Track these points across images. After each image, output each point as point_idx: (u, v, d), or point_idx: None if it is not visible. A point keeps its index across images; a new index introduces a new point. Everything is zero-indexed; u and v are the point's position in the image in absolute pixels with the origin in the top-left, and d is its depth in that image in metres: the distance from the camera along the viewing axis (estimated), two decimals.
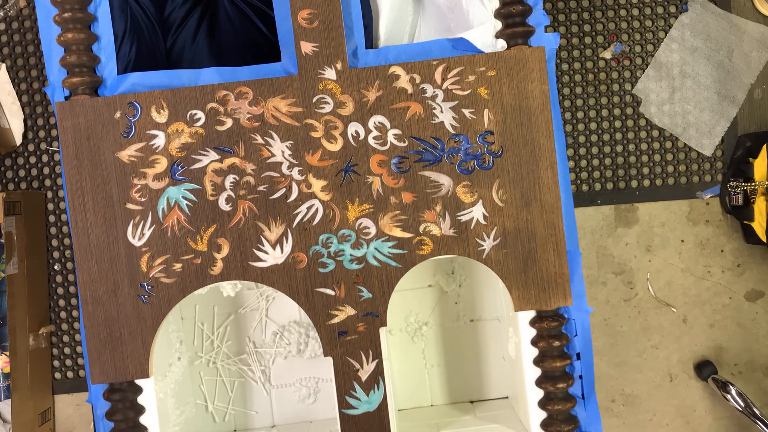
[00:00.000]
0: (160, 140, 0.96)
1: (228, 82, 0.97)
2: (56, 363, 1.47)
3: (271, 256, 0.96)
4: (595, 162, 1.46)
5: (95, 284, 0.96)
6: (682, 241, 1.46)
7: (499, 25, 0.99)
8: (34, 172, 1.47)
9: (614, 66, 1.45)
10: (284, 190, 0.96)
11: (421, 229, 0.96)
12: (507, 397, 1.25)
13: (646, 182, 1.46)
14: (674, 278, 1.46)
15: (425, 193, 0.96)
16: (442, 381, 1.26)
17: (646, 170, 1.46)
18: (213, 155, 0.96)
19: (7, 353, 1.36)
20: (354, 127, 0.96)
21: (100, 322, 0.96)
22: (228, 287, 1.14)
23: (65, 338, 1.47)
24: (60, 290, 1.47)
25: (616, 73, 1.45)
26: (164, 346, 1.12)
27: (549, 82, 0.96)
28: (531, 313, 0.99)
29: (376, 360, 0.96)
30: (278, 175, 0.96)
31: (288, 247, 0.96)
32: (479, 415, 1.20)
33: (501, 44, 0.99)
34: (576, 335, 1.00)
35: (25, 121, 1.46)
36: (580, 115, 1.45)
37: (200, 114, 0.96)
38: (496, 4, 0.99)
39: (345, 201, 0.96)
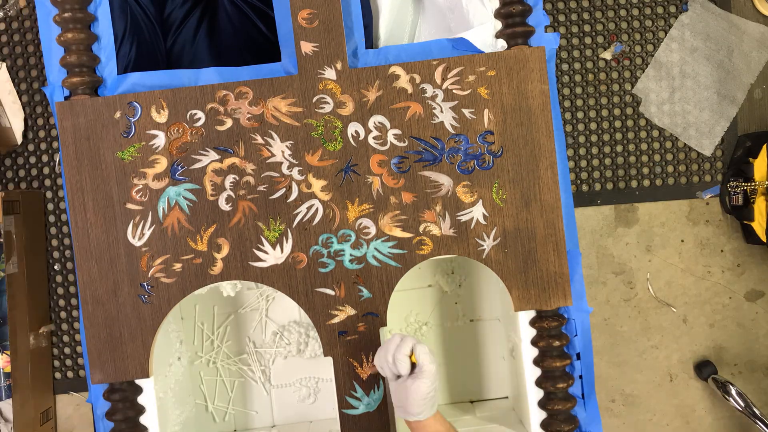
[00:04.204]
0: (160, 140, 0.96)
1: (228, 82, 0.97)
2: (56, 363, 1.47)
3: (271, 256, 0.96)
4: (595, 162, 1.46)
5: (95, 284, 0.96)
6: (682, 241, 1.46)
7: (499, 25, 0.99)
8: (34, 171, 1.47)
9: (614, 66, 1.45)
10: (284, 190, 0.96)
11: (421, 229, 0.96)
12: (507, 397, 1.25)
13: (646, 182, 1.46)
14: (674, 278, 1.46)
15: (425, 193, 0.96)
16: (442, 381, 1.26)
17: (646, 170, 1.46)
18: (213, 155, 0.96)
19: (8, 352, 1.36)
20: (354, 127, 0.96)
21: (100, 322, 0.96)
22: (228, 287, 1.14)
23: (65, 338, 1.47)
24: (60, 290, 1.47)
25: (616, 73, 1.45)
26: (164, 346, 1.11)
27: (549, 82, 0.95)
28: (531, 313, 0.99)
29: None
30: (278, 175, 0.96)
31: (288, 247, 0.96)
32: (479, 415, 1.20)
33: (501, 44, 0.99)
34: (576, 335, 1.00)
35: (25, 120, 1.46)
36: (580, 115, 1.45)
37: (200, 114, 0.96)
38: (496, 4, 0.99)
39: (345, 201, 0.96)
